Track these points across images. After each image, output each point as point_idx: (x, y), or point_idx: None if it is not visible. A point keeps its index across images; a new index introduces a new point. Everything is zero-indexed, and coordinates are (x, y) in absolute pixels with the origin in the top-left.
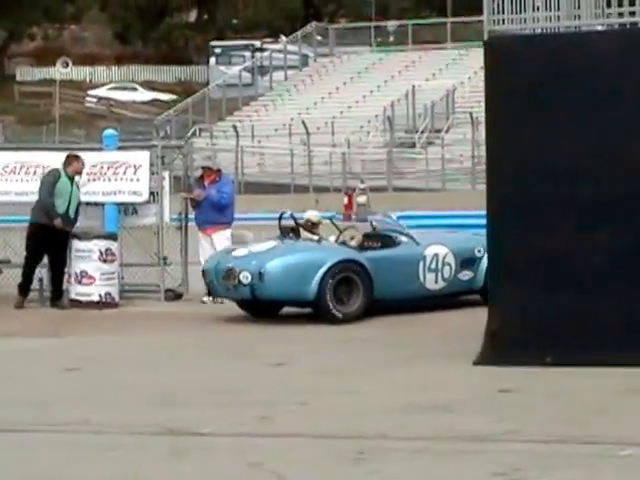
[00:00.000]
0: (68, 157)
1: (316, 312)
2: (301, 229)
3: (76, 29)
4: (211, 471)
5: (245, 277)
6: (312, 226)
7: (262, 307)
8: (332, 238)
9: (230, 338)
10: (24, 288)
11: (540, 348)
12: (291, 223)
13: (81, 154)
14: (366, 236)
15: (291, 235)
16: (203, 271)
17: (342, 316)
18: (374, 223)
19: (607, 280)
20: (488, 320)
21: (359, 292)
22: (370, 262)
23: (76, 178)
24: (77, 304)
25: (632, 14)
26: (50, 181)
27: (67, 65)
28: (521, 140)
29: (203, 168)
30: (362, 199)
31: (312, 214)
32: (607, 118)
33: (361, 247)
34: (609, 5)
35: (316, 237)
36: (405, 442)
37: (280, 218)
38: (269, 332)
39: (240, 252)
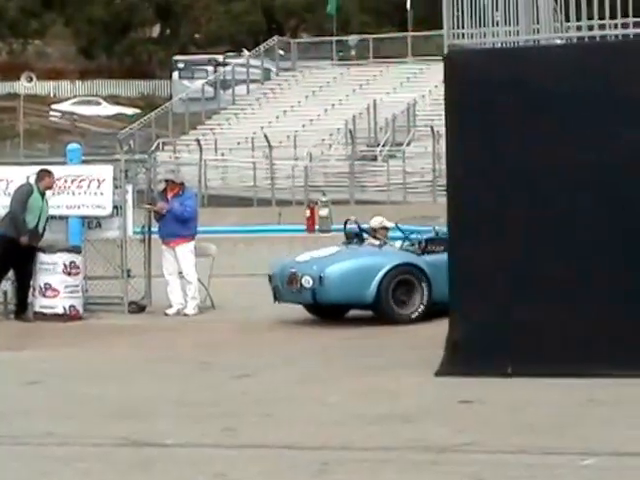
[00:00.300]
0: (40, 172)
1: (376, 314)
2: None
3: (40, 44)
4: None
5: (307, 281)
6: (376, 232)
7: (326, 310)
8: (397, 243)
9: (194, 350)
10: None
11: (501, 359)
12: (356, 229)
13: (45, 167)
14: (427, 240)
15: (355, 241)
16: (269, 276)
17: (402, 318)
18: (436, 228)
19: (566, 292)
20: (449, 331)
21: (418, 295)
22: (429, 266)
23: (47, 193)
24: (41, 317)
25: (590, 28)
26: (23, 196)
27: (31, 80)
28: (481, 152)
29: (166, 181)
30: (324, 212)
31: (376, 220)
32: (563, 131)
33: (422, 251)
34: (568, 19)
35: (377, 242)
36: (368, 452)
37: (345, 225)
38: (238, 341)
39: (303, 257)
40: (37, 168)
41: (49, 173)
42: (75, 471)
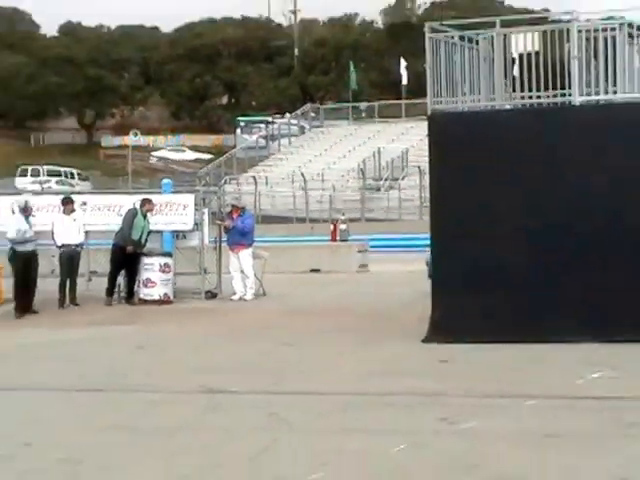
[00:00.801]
0: (143, 200)
1: None
2: None
3: (143, 110)
4: (239, 419)
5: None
6: None
7: None
8: None
9: (251, 325)
10: (110, 291)
11: (464, 331)
12: None
13: (147, 196)
14: None
15: None
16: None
17: None
18: None
19: (506, 284)
20: (432, 312)
21: None
22: None
23: (148, 215)
24: (143, 302)
25: (530, 97)
26: (130, 217)
27: (136, 135)
28: (453, 187)
29: (232, 206)
30: (343, 227)
31: None
32: (508, 169)
33: None
34: (514, 91)
35: None
36: (377, 397)
37: None
38: (282, 319)
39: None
40: (141, 197)
41: (149, 200)
42: (165, 411)
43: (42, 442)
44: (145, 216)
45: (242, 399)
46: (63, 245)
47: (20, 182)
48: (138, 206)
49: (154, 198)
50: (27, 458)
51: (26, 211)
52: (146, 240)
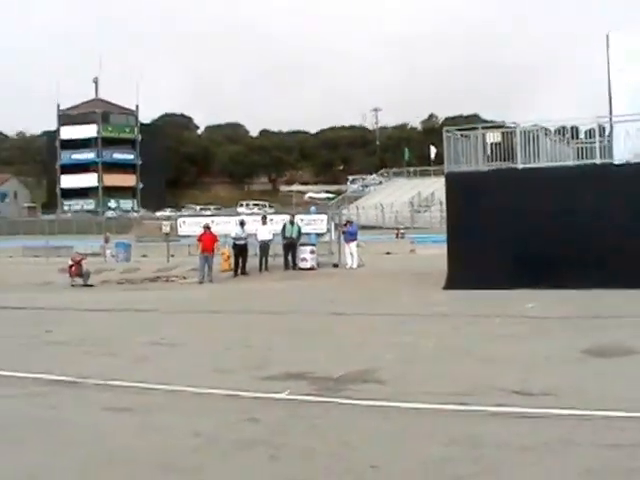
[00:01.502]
0: (291, 215)
1: None
2: None
3: (302, 173)
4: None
5: None
6: None
7: None
8: None
9: (357, 281)
10: (285, 264)
11: (465, 284)
12: None
13: (302, 215)
14: None
15: None
16: None
17: None
18: None
19: (486, 260)
20: (447, 273)
21: None
22: None
23: (297, 222)
24: (300, 269)
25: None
26: (283, 226)
27: (291, 184)
28: (458, 211)
29: (346, 220)
30: (402, 231)
31: None
32: (487, 203)
33: None
34: (488, 161)
35: None
36: (421, 316)
37: None
38: (372, 278)
39: None
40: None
41: (293, 216)
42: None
43: None
44: (292, 223)
45: (353, 317)
46: (261, 240)
47: (240, 210)
48: (288, 220)
49: (306, 216)
50: None
51: (242, 224)
52: (299, 237)
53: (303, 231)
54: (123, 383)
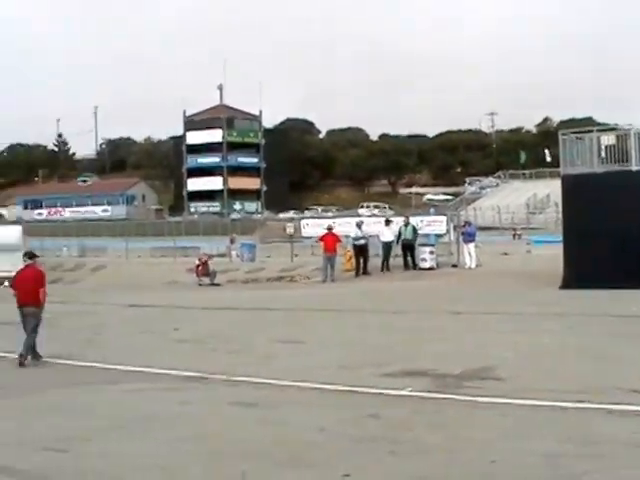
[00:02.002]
0: (405, 217)
1: None
2: None
3: (420, 175)
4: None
5: None
6: None
7: None
8: None
9: (471, 279)
10: (406, 265)
11: (580, 283)
12: None
13: (421, 217)
14: None
15: None
16: None
17: None
18: None
19: (600, 260)
20: (563, 273)
21: None
22: None
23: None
24: (420, 269)
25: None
26: (399, 228)
27: (411, 186)
28: (573, 211)
29: (465, 221)
30: (519, 232)
31: None
32: (600, 204)
33: None
34: (602, 162)
35: None
36: (537, 316)
37: None
38: (486, 276)
39: None
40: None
41: (408, 217)
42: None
43: None
44: (407, 225)
45: (471, 316)
46: (384, 241)
47: (360, 212)
48: (403, 222)
49: (425, 218)
50: None
51: (360, 225)
52: (415, 238)
53: (423, 232)
54: (249, 379)
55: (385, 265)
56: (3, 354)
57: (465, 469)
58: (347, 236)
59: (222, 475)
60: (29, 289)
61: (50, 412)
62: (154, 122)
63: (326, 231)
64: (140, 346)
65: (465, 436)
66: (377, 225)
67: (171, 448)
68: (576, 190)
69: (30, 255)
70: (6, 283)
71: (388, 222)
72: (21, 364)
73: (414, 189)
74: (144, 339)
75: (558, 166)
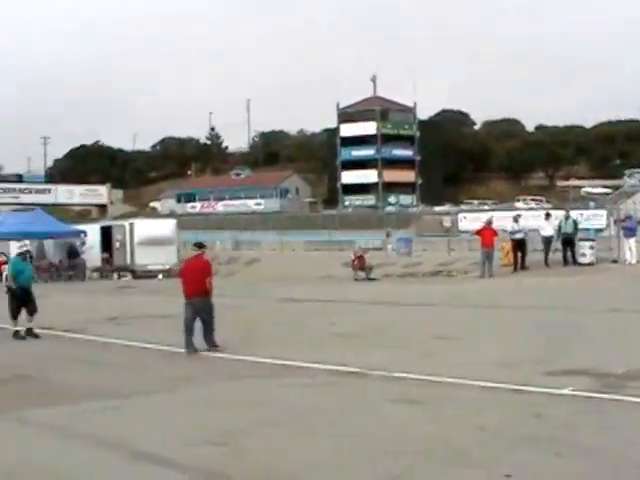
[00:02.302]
0: (566, 211)
1: None
2: None
3: (577, 167)
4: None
5: None
6: None
7: None
8: None
9: (631, 275)
10: (565, 260)
11: None
12: None
13: (581, 210)
14: None
15: None
16: None
17: None
18: None
19: None
20: None
21: None
22: None
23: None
24: (579, 264)
25: None
26: (560, 220)
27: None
28: None
29: (626, 215)
30: None
31: None
32: None
33: None
34: None
35: None
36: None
37: None
38: None
39: None
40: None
41: (568, 210)
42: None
43: None
44: (568, 218)
45: (632, 315)
46: (544, 236)
47: (517, 205)
48: (563, 216)
49: (584, 212)
50: None
51: (516, 219)
52: (575, 232)
53: (582, 226)
54: (408, 375)
55: (546, 260)
56: (165, 347)
57: (634, 475)
58: (504, 230)
59: (389, 474)
60: (197, 279)
61: (213, 405)
62: (307, 115)
63: (484, 225)
64: (298, 340)
65: (632, 439)
66: (535, 219)
67: (335, 444)
68: None
69: (199, 245)
70: (160, 276)
71: (548, 216)
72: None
73: (572, 182)
74: (301, 333)
75: None
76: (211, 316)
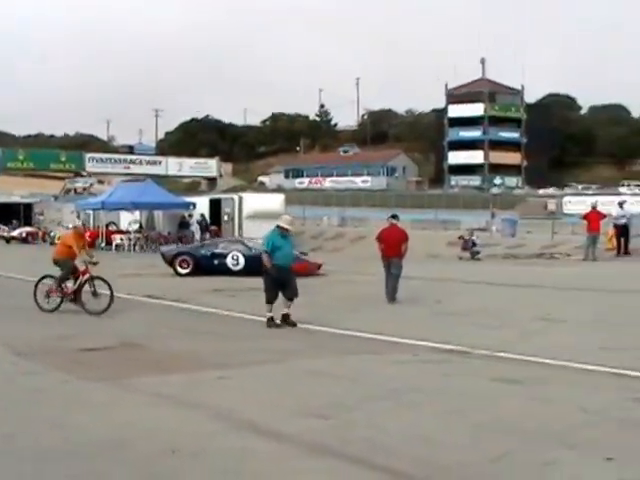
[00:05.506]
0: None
1: None
2: None
3: None
4: None
5: None
6: None
7: None
8: None
9: None
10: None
11: None
12: None
13: None
14: None
15: None
16: None
17: None
18: None
19: None
20: None
21: None
22: None
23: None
24: None
25: None
26: None
27: None
28: None
29: None
30: None
31: None
32: None
33: None
34: None
35: None
36: None
37: None
38: None
39: None
40: None
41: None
42: None
43: None
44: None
45: None
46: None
47: (622, 190)
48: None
49: None
50: None
51: (621, 204)
52: None
53: None
54: (511, 355)
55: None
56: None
57: None
58: (608, 215)
59: (488, 450)
60: (395, 244)
61: (316, 378)
62: (415, 94)
63: (590, 209)
64: (403, 317)
65: None
66: (639, 204)
67: (436, 421)
68: None
69: (394, 216)
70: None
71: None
72: (392, 300)
73: None
74: (407, 310)
75: None
76: (399, 275)
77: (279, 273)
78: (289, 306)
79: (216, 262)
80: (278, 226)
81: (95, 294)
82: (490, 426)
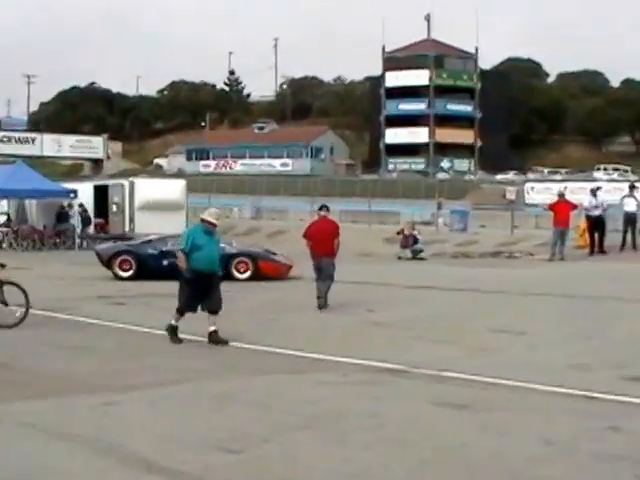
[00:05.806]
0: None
1: None
2: None
3: None
4: None
5: None
6: None
7: None
8: None
9: None
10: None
11: None
12: None
13: None
14: None
15: None
16: None
17: None
18: None
19: None
20: None
21: None
22: None
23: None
24: None
25: None
26: None
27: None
28: None
29: None
30: None
31: None
32: None
33: None
34: None
35: None
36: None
37: None
38: None
39: None
40: None
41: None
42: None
43: None
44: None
45: None
46: (625, 212)
47: (597, 175)
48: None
49: None
50: None
51: (594, 191)
52: None
53: None
54: (459, 375)
55: (632, 242)
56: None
57: None
58: (579, 206)
59: None
60: (325, 239)
61: (223, 404)
62: (345, 59)
63: (557, 198)
64: (329, 329)
65: None
66: (617, 192)
67: (368, 455)
68: None
69: (325, 207)
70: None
71: (633, 188)
72: (320, 308)
73: None
74: (334, 321)
75: None
76: (333, 275)
77: (199, 280)
78: (214, 322)
79: (165, 263)
80: (202, 220)
81: None
82: (433, 462)
